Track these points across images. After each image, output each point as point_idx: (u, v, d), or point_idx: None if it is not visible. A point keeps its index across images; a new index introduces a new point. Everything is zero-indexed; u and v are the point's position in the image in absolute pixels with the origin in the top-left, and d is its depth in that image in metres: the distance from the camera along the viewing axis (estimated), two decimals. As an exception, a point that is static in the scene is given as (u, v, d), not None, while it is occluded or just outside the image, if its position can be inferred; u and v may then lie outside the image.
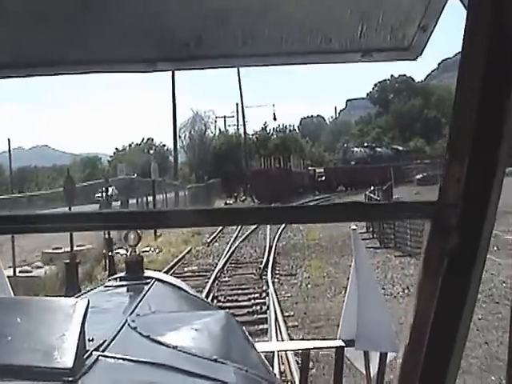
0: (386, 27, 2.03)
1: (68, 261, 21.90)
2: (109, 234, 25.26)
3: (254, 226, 36.93)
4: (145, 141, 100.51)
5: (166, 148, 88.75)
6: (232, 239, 33.01)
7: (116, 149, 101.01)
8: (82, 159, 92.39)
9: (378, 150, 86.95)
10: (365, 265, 5.17)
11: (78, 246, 27.44)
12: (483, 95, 1.41)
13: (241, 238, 33.12)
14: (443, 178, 1.50)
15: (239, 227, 36.79)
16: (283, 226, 36.45)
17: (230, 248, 29.67)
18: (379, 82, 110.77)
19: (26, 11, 2.01)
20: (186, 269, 25.35)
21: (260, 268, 24.18)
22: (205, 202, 56.43)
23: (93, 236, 27.74)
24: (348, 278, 5.19)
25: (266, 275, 22.73)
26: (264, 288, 20.51)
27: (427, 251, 1.51)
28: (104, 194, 31.24)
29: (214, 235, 35.21)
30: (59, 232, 2.10)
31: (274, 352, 10.23)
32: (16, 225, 1.92)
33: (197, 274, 23.79)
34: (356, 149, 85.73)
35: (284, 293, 20.02)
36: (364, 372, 5.27)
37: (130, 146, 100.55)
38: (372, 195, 34.48)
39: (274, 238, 31.82)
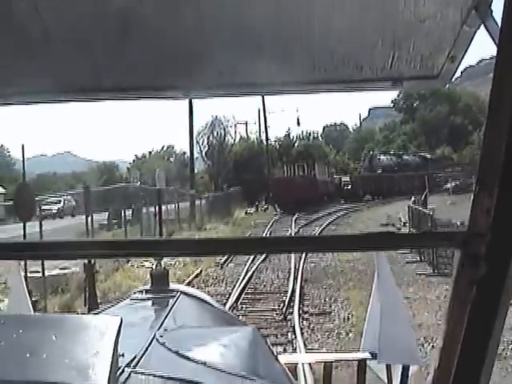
0: (416, 57, 2.05)
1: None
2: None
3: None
4: (165, 148, 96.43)
5: (186, 155, 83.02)
6: (250, 259, 26.94)
7: (135, 156, 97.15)
8: (99, 166, 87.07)
9: (405, 157, 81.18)
10: (387, 276, 4.85)
11: (60, 269, 21.73)
12: None
13: (260, 258, 27.00)
14: (472, 207, 1.42)
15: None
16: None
17: (247, 272, 23.55)
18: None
19: (65, 41, 2.09)
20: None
21: (284, 302, 18.14)
22: (223, 211, 50.68)
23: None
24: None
25: (292, 313, 16.77)
26: (290, 337, 14.54)
27: (456, 279, 1.45)
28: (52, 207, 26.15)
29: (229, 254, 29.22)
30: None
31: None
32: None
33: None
34: (382, 156, 79.82)
35: (318, 346, 14.01)
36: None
37: (150, 153, 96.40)
38: (417, 207, 28.24)
39: (300, 259, 25.72)
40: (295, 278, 21.12)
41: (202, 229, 41.75)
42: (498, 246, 1.38)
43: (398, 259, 24.08)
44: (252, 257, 26.95)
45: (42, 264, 18.43)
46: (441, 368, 1.48)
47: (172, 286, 4.66)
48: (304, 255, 26.24)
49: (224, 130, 68.89)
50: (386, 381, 5.15)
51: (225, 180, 65.77)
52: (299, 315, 16.64)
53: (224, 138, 69.05)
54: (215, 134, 68.50)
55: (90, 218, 22.67)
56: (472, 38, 2.06)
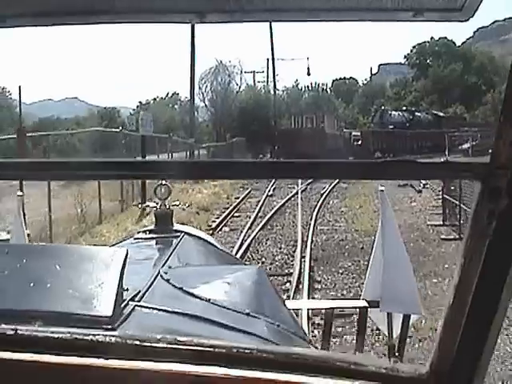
0: None
1: None
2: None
3: (278, 205, 25.72)
4: (169, 95, 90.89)
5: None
6: (248, 223, 21.61)
7: (139, 102, 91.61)
8: (99, 111, 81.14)
9: (418, 114, 75.36)
10: (391, 226, 4.98)
11: (8, 233, 16.57)
12: None
13: (261, 222, 21.65)
14: (495, 140, 1.36)
15: (258, 206, 25.61)
16: (318, 206, 25.28)
17: (243, 242, 18.21)
18: (418, 44, 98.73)
19: None
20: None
21: (287, 293, 12.83)
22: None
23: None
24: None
25: (299, 314, 11.44)
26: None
27: (475, 213, 1.39)
28: None
29: (225, 215, 23.82)
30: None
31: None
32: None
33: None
34: (394, 112, 73.92)
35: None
36: (386, 333, 5.12)
37: (154, 99, 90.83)
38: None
39: (309, 226, 20.42)
40: (302, 257, 15.81)
41: (198, 181, 36.60)
42: None
43: (430, 235, 18.81)
44: (249, 223, 21.64)
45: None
46: (455, 304, 1.41)
47: (176, 226, 4.40)
48: (313, 224, 20.99)
49: (229, 76, 62.52)
50: (385, 330, 5.14)
51: (228, 129, 60.10)
52: (309, 319, 11.40)
53: (228, 85, 62.86)
54: (219, 79, 62.28)
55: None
56: None
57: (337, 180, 35.96)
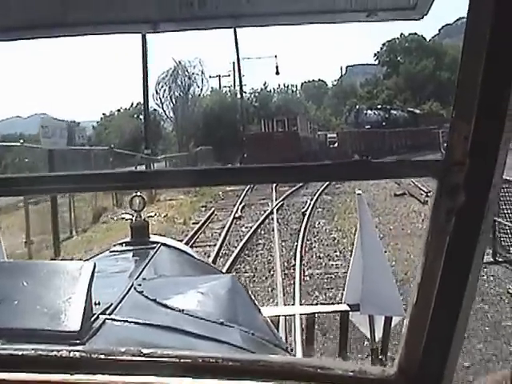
0: None
1: None
2: None
3: (249, 234, 18.45)
4: (134, 105, 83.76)
5: (157, 112, 70.47)
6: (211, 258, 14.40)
7: (103, 114, 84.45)
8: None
9: (393, 112, 69.11)
10: (370, 229, 4.84)
11: None
12: (491, 50, 1.24)
13: (224, 266, 14.46)
14: (450, 135, 1.33)
15: (222, 236, 18.33)
16: (302, 233, 18.13)
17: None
18: (388, 42, 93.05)
19: None
20: None
21: None
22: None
23: None
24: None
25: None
26: None
27: (434, 210, 1.36)
28: None
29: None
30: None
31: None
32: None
33: None
34: (369, 111, 67.50)
35: None
36: (369, 336, 4.96)
37: (118, 110, 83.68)
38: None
39: (294, 271, 13.35)
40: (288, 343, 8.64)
41: (153, 200, 29.36)
42: (477, 174, 1.31)
43: (487, 287, 11.68)
44: (214, 252, 14.41)
45: None
46: (419, 303, 1.40)
47: (153, 238, 4.20)
48: (299, 269, 13.81)
49: (189, 78, 54.93)
50: (367, 333, 4.99)
51: (191, 138, 52.77)
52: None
53: (189, 88, 55.31)
54: (179, 82, 54.83)
55: None
56: None
57: (318, 193, 28.95)
